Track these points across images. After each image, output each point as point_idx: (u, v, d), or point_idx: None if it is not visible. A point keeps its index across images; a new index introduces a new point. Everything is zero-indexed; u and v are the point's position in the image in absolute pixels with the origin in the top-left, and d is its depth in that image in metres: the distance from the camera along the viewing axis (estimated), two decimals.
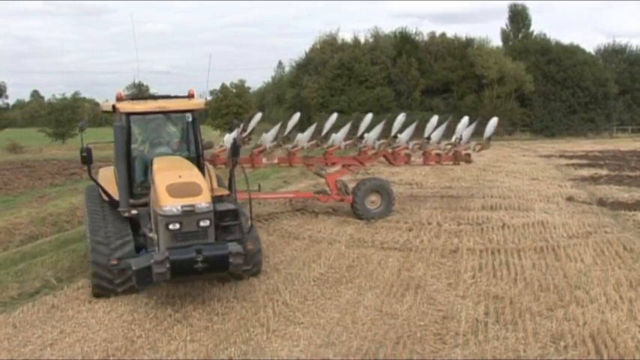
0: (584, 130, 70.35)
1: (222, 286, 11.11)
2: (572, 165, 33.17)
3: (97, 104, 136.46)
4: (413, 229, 16.02)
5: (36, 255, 13.91)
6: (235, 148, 11.88)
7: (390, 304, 10.07)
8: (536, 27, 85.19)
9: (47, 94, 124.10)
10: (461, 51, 72.46)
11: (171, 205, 9.85)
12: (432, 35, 76.55)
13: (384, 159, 18.99)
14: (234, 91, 67.42)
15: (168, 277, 9.43)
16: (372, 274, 11.81)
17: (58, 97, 70.16)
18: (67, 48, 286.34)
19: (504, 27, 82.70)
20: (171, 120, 12.41)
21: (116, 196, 11.33)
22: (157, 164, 10.96)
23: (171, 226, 9.83)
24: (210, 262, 9.57)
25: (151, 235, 10.61)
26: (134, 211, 11.10)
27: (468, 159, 20.13)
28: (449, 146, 19.77)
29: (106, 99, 12.29)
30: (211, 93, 77.98)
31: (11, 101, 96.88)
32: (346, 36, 75.34)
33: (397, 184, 25.00)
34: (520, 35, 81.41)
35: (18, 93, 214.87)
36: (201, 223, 10.02)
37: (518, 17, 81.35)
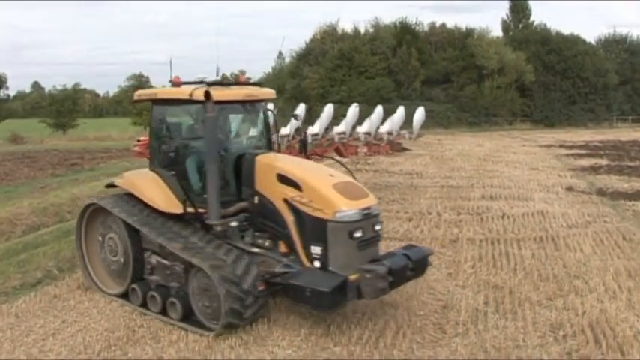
0: (584, 121, 70.31)
1: None
2: (572, 155, 33.17)
3: (97, 95, 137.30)
4: (413, 219, 16.02)
5: (38, 245, 13.95)
6: (305, 141, 11.13)
7: (390, 294, 10.06)
8: (537, 17, 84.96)
9: (48, 85, 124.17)
10: (461, 41, 72.44)
11: (350, 209, 8.43)
12: (433, 25, 76.58)
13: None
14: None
15: (388, 290, 8.37)
16: None
17: (59, 88, 70.20)
18: (67, 39, 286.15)
19: (505, 17, 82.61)
20: (253, 109, 10.28)
21: (172, 208, 9.41)
22: (273, 162, 9.31)
23: (356, 234, 8.37)
24: (417, 266, 8.81)
25: (255, 250, 9.19)
26: (234, 223, 9.23)
27: (398, 148, 20.11)
28: (387, 137, 19.80)
29: (164, 84, 10.54)
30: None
31: (12, 92, 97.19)
32: (346, 26, 75.24)
33: (397, 174, 25.01)
34: (520, 25, 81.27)
35: (19, 84, 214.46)
36: (377, 227, 8.84)
37: (519, 7, 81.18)
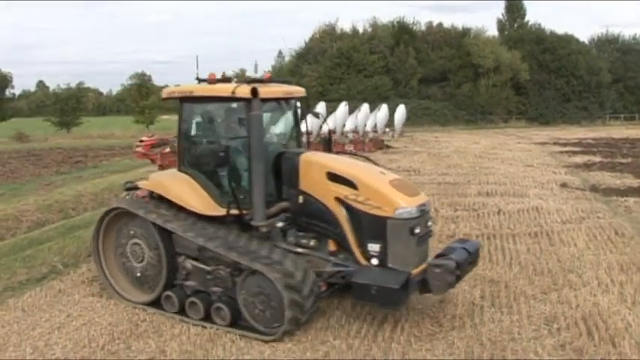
0: (577, 118, 70.37)
1: None
2: (566, 152, 33.18)
3: (100, 93, 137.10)
4: None
5: (43, 241, 13.97)
6: (330, 139, 10.70)
7: None
8: (532, 17, 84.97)
9: (52, 84, 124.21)
10: (458, 40, 72.56)
11: (409, 205, 8.29)
12: (430, 25, 76.66)
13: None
14: (235, 80, 67.45)
15: (454, 285, 8.51)
16: None
17: (63, 86, 70.13)
18: (71, 39, 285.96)
19: (500, 17, 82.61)
20: (288, 107, 9.95)
21: (209, 210, 8.99)
22: (321, 160, 9.04)
23: (416, 230, 8.24)
24: (474, 259, 8.91)
25: (299, 250, 8.92)
26: (280, 224, 8.98)
27: (381, 145, 19.82)
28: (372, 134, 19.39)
29: (196, 80, 9.61)
30: None
31: (17, 91, 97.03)
32: (345, 26, 75.31)
33: (394, 170, 24.96)
34: (515, 25, 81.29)
35: (24, 83, 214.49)
36: (429, 223, 8.79)
37: (514, 7, 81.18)
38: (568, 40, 74.00)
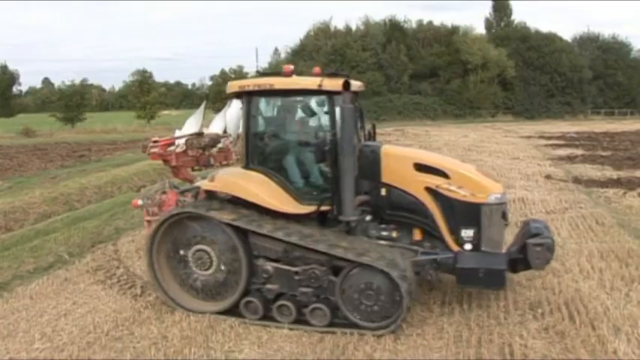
0: (561, 113, 70.77)
1: None
2: (551, 145, 33.27)
3: (103, 90, 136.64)
4: None
5: (49, 232, 13.96)
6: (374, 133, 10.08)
7: None
8: (518, 16, 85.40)
9: (57, 81, 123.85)
10: (447, 38, 72.68)
11: (498, 191, 8.40)
12: (420, 23, 76.74)
13: None
14: (232, 76, 67.32)
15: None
16: None
17: (67, 83, 69.70)
18: (76, 37, 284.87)
19: (488, 16, 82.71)
20: (356, 101, 9.05)
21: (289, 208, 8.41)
22: (405, 153, 8.99)
23: (505, 214, 8.49)
24: None
25: (382, 242, 8.63)
26: (368, 217, 8.74)
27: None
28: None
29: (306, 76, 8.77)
30: (211, 78, 77.85)
31: (24, 88, 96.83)
32: (338, 24, 75.34)
33: None
34: (502, 24, 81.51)
35: (30, 80, 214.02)
36: (504, 209, 8.58)
37: (501, 7, 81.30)
38: (552, 38, 74.35)
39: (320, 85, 8.11)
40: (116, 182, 20.50)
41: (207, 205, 8.62)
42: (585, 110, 74.32)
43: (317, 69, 9.09)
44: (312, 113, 8.85)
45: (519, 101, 71.53)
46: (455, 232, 8.40)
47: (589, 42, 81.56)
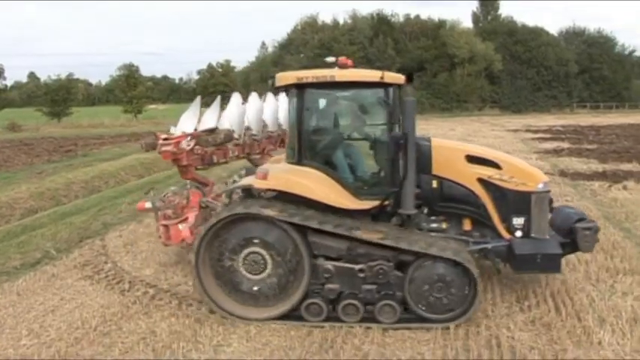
0: (547, 107, 71.21)
1: None
2: (537, 139, 33.46)
3: (89, 84, 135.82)
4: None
5: (36, 227, 13.88)
6: None
7: None
8: (504, 10, 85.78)
9: (43, 76, 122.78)
10: (434, 32, 72.81)
11: (545, 180, 8.75)
12: (407, 17, 76.73)
13: None
14: (220, 70, 67.20)
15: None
16: None
17: (53, 78, 69.37)
18: (62, 32, 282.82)
19: (475, 10, 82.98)
20: None
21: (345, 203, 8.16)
22: (455, 145, 9.01)
23: (551, 200, 8.86)
24: None
25: (432, 234, 8.58)
26: (426, 210, 8.69)
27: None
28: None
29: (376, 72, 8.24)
30: (198, 72, 77.63)
31: (9, 82, 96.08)
32: (326, 18, 75.23)
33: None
34: (489, 17, 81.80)
35: (16, 75, 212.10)
36: (550, 197, 8.88)
37: (488, 0, 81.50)
38: (538, 32, 74.78)
39: (382, 78, 8.03)
40: (103, 177, 20.41)
41: (261, 204, 8.08)
42: (571, 104, 74.89)
43: (343, 59, 8.75)
44: (372, 106, 8.73)
45: (506, 95, 71.88)
46: (506, 221, 8.56)
47: (575, 36, 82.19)
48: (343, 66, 8.37)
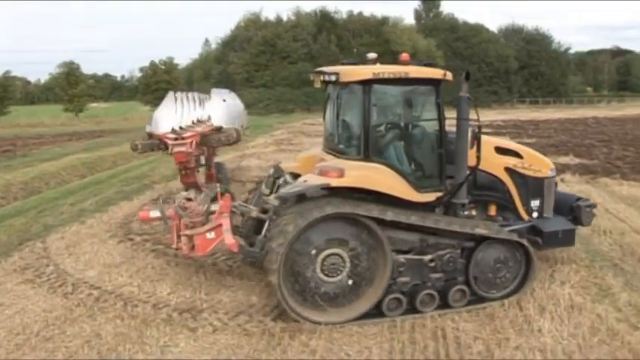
0: (488, 102, 72.44)
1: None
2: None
3: (28, 82, 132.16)
4: None
5: None
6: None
7: None
8: (446, 7, 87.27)
9: None
10: (377, 29, 73.27)
11: (553, 167, 9.90)
12: (351, 13, 76.98)
13: None
14: (162, 67, 66.31)
15: None
16: None
17: None
18: None
19: (417, 7, 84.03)
20: None
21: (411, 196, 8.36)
22: (484, 138, 8.73)
23: (556, 184, 10.07)
24: None
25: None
26: (469, 199, 8.97)
27: None
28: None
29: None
30: (141, 70, 76.41)
31: None
32: (269, 14, 75.04)
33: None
34: (431, 14, 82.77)
35: None
36: (556, 180, 10.27)
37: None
38: (479, 29, 76.23)
39: (445, 75, 8.59)
40: (44, 177, 19.89)
41: (350, 204, 7.93)
42: (512, 99, 76.60)
43: (405, 55, 9.22)
44: (427, 102, 9.03)
45: (448, 90, 72.76)
46: (526, 204, 9.46)
47: (514, 34, 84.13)
48: (405, 62, 8.81)
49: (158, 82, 63.55)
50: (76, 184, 19.51)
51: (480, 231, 8.44)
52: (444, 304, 8.35)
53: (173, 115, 11.26)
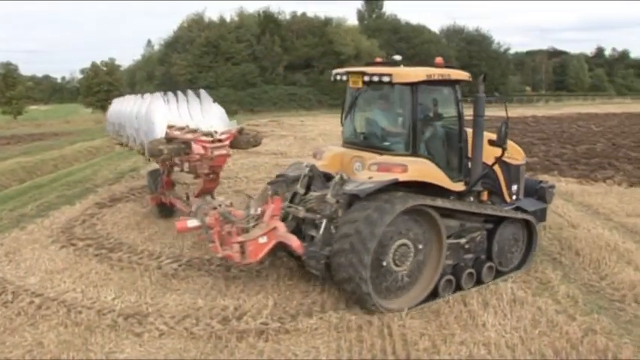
0: None
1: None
2: None
3: None
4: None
5: None
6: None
7: (262, 266, 10.24)
8: (388, 8, 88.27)
9: None
10: (320, 29, 73.33)
11: (524, 156, 11.10)
12: (294, 14, 76.95)
13: None
14: (104, 69, 65.04)
15: None
16: None
17: None
18: None
19: (360, 7, 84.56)
20: None
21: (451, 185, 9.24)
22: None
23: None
24: None
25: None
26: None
27: None
28: None
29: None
30: (82, 71, 74.82)
31: None
32: (212, 15, 74.40)
33: (263, 154, 24.76)
34: (374, 15, 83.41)
35: None
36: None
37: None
38: (421, 30, 77.20)
39: (470, 76, 9.84)
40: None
41: (407, 197, 8.44)
42: None
43: (440, 59, 9.91)
44: (452, 101, 9.73)
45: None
46: (509, 189, 10.48)
47: (455, 34, 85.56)
48: (440, 65, 9.56)
49: (100, 84, 62.27)
50: (15, 189, 18.94)
51: (511, 214, 9.98)
52: (478, 281, 9.43)
53: (169, 115, 11.00)
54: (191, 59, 66.35)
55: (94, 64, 65.97)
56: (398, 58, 9.97)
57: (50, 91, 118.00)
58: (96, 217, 14.08)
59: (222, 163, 10.12)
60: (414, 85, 8.86)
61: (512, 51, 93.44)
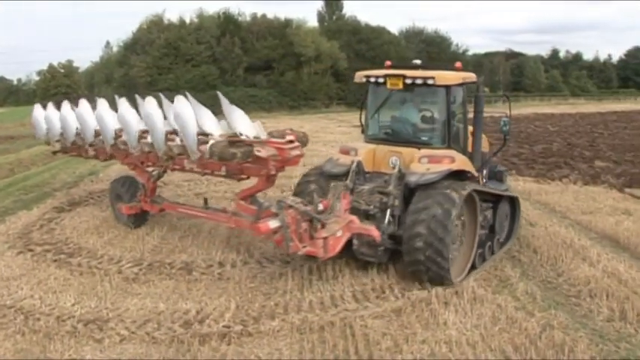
0: None
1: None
2: None
3: None
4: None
5: None
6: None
7: (224, 269, 10.20)
8: (348, 9, 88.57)
9: None
10: (281, 31, 73.18)
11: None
12: (254, 16, 76.74)
13: None
14: (62, 71, 64.07)
15: None
16: (204, 243, 11.82)
17: None
18: None
19: (320, 9, 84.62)
20: None
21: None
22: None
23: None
24: None
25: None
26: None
27: None
28: None
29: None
30: (39, 73, 73.48)
31: None
32: (172, 16, 73.63)
33: None
34: (334, 17, 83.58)
35: None
36: None
37: (332, 0, 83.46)
38: (381, 31, 77.53)
39: (478, 78, 10.82)
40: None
41: (463, 184, 9.74)
42: None
43: (459, 64, 10.75)
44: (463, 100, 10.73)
45: (352, 92, 73.54)
46: (481, 172, 10.98)
47: (414, 35, 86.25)
48: (459, 69, 10.47)
49: (57, 86, 61.53)
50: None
51: (511, 193, 11.74)
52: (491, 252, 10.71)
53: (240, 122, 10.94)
54: (150, 61, 65.61)
55: (51, 66, 65.06)
56: (418, 62, 11.19)
57: (5, 93, 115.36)
58: (54, 222, 13.80)
59: (296, 164, 10.38)
60: (449, 87, 10.04)
61: (470, 52, 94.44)
